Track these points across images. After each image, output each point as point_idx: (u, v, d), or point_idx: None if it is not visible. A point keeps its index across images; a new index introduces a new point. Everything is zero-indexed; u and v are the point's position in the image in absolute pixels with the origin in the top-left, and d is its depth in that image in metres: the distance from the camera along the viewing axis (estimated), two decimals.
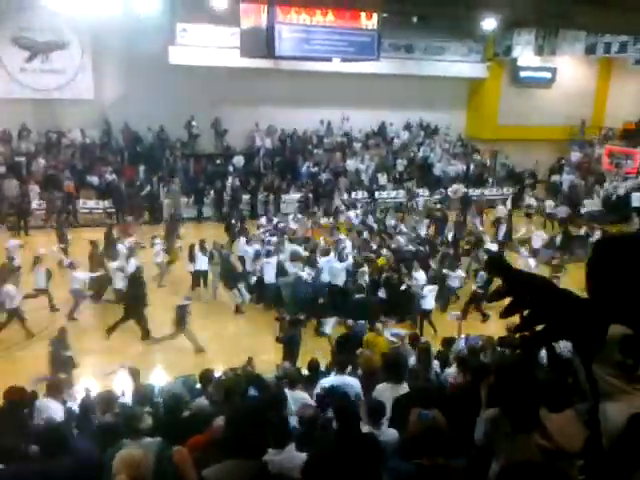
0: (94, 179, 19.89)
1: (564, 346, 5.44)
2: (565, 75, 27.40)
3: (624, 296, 1.62)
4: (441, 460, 3.62)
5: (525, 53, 24.80)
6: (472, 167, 25.27)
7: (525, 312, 1.83)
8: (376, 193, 22.55)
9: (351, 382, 6.43)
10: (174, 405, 5.24)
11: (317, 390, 6.35)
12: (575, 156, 25.86)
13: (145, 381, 8.24)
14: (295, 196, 20.78)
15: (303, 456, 3.88)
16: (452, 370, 6.99)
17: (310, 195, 20.48)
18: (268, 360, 9.54)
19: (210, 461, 3.58)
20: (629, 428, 1.50)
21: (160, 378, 9.38)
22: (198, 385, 7.05)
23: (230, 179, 20.88)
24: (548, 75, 27.33)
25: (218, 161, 22.27)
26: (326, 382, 6.50)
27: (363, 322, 10.72)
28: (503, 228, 16.96)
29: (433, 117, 26.80)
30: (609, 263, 1.67)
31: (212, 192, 20.40)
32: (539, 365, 5.38)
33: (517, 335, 6.47)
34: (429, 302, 11.99)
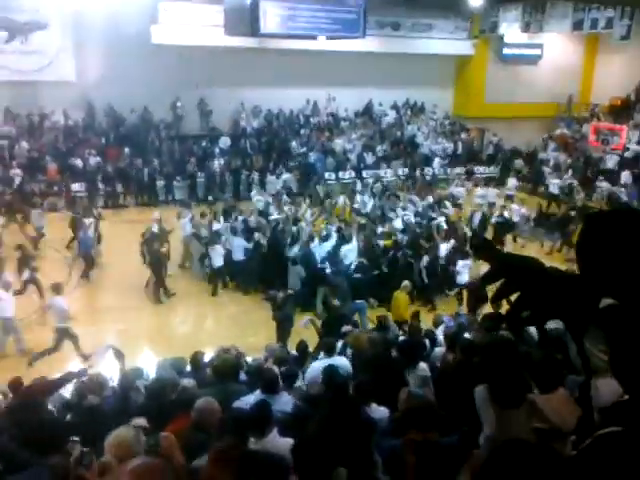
0: (78, 162, 19.63)
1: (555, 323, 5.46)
2: (552, 52, 27.30)
3: (614, 271, 1.60)
4: (431, 436, 3.63)
5: (511, 30, 24.66)
6: (460, 145, 25.29)
7: (515, 295, 1.82)
8: (363, 172, 22.48)
9: (341, 362, 6.42)
10: (160, 388, 5.19)
11: (308, 373, 6.33)
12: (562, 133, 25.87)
13: (133, 363, 8.22)
14: (280, 177, 20.57)
15: (287, 441, 3.83)
16: (441, 349, 7.01)
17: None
18: (255, 342, 9.56)
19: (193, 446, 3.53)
20: (617, 404, 1.48)
21: (148, 360, 9.34)
22: (188, 367, 7.04)
23: (216, 161, 20.75)
24: (535, 52, 27.22)
25: (204, 143, 22.06)
26: (317, 364, 6.49)
27: (360, 302, 10.83)
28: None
29: (420, 95, 26.67)
30: (598, 238, 1.65)
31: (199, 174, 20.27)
32: (532, 345, 5.39)
33: (505, 315, 6.51)
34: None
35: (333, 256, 12.29)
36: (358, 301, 11.06)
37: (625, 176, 20.41)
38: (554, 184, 19.64)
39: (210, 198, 19.31)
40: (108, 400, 5.75)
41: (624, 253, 1.60)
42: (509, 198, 18.42)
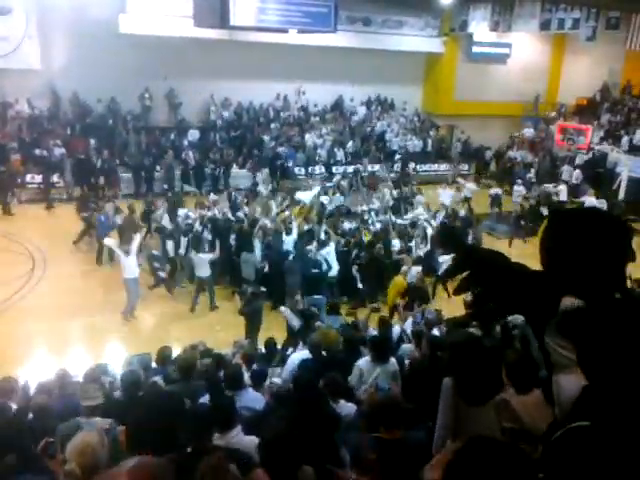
0: (42, 152, 19.18)
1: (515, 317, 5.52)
2: (520, 51, 27.68)
3: (576, 268, 1.61)
4: (399, 433, 3.63)
5: (480, 29, 24.90)
6: (430, 143, 25.50)
7: (477, 288, 1.82)
8: (333, 168, 22.48)
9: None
10: (130, 384, 5.10)
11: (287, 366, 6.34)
12: (529, 132, 26.27)
13: (99, 360, 8.10)
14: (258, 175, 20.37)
15: (251, 439, 3.79)
16: (409, 346, 7.05)
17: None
18: (224, 337, 9.49)
19: None
20: (581, 400, 1.49)
21: (115, 356, 9.20)
22: (154, 364, 6.94)
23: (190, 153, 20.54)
24: (503, 51, 27.55)
25: (172, 135, 21.74)
26: (296, 356, 6.51)
27: (319, 297, 10.77)
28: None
29: (390, 92, 26.76)
30: (562, 236, 1.67)
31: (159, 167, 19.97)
32: (509, 345, 5.45)
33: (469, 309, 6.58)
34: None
35: (297, 250, 12.25)
36: (317, 296, 11.03)
37: (575, 175, 20.95)
38: (517, 193, 19.28)
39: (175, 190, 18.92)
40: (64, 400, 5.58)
41: (586, 251, 1.62)
42: (466, 200, 17.98)
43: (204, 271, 11.84)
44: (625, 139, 21.95)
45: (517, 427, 2.85)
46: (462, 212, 15.80)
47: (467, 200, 17.90)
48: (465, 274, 1.76)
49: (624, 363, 1.38)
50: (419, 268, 11.73)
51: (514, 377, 3.32)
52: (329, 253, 12.21)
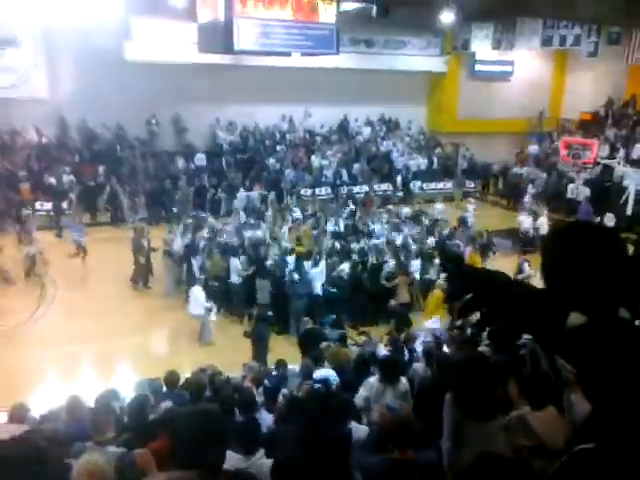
0: (51, 180, 19.36)
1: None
2: (523, 68, 27.83)
3: (580, 284, 1.61)
4: (411, 453, 3.60)
5: (483, 47, 25.05)
6: (435, 161, 25.58)
7: (483, 309, 1.82)
8: (339, 189, 22.54)
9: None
10: (138, 409, 5.08)
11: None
12: (534, 149, 26.29)
13: (108, 384, 8.08)
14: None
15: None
16: (420, 365, 7.01)
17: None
18: (236, 359, 9.46)
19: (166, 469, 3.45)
20: (589, 420, 1.48)
21: (124, 381, 9.18)
22: (164, 388, 6.92)
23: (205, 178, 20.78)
24: (506, 68, 27.73)
25: (180, 161, 21.86)
26: (319, 374, 6.55)
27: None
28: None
29: (395, 111, 26.92)
30: (559, 252, 1.67)
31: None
32: (518, 362, 5.41)
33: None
34: None
35: (297, 272, 12.29)
36: (333, 316, 11.07)
37: (581, 191, 20.91)
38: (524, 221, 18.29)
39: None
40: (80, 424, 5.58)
41: (589, 267, 1.61)
42: (436, 222, 16.96)
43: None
44: (622, 152, 21.97)
45: (534, 444, 2.82)
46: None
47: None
48: (469, 296, 1.76)
49: (621, 384, 1.37)
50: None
51: (528, 393, 3.29)
52: (321, 272, 12.24)
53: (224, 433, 2.80)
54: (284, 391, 6.32)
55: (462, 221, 16.75)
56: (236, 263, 12.62)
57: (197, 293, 11.60)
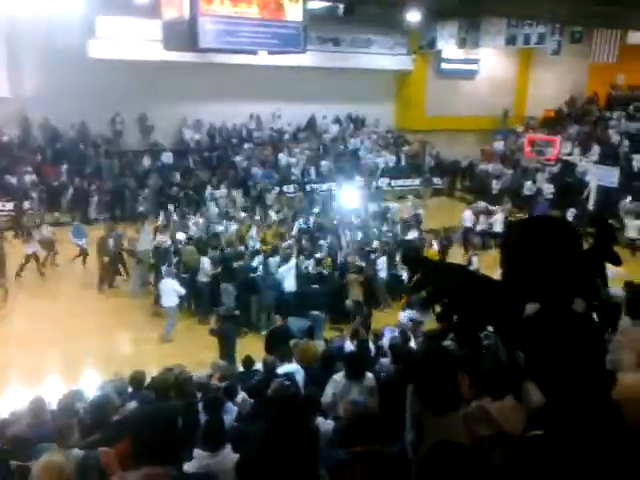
0: (13, 180, 18.95)
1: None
2: (488, 66, 28.20)
3: (535, 275, 1.65)
4: (376, 447, 3.63)
5: (449, 46, 25.31)
6: (403, 158, 25.78)
7: (442, 303, 1.85)
8: (307, 187, 22.55)
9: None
10: (99, 410, 5.01)
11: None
12: (499, 145, 26.68)
13: (73, 385, 7.96)
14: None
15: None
16: (387, 360, 7.07)
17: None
18: (203, 359, 9.39)
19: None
20: (542, 408, 1.52)
21: (89, 383, 9.05)
22: (130, 389, 6.84)
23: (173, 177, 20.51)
24: (472, 67, 28.05)
25: (146, 159, 21.62)
26: (283, 369, 6.60)
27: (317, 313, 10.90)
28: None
29: (362, 109, 27.04)
30: (519, 244, 1.71)
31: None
32: (481, 355, 5.49)
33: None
34: None
35: (265, 269, 12.27)
36: (315, 312, 11.16)
37: (542, 187, 21.40)
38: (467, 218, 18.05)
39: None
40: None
41: (544, 259, 1.65)
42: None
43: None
44: (590, 148, 22.46)
45: (495, 433, 2.87)
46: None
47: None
48: (429, 289, 1.79)
49: (566, 372, 1.41)
50: None
51: (488, 384, 3.35)
52: (289, 269, 12.20)
53: (182, 431, 2.80)
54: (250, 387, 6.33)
55: (415, 218, 17.03)
56: (205, 261, 12.52)
57: (170, 283, 11.57)
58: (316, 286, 12.54)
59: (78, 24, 18.60)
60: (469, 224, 17.59)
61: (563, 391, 1.43)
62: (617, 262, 2.02)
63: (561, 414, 1.41)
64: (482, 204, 19.22)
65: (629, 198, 18.81)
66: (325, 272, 12.82)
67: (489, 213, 18.26)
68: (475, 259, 13.15)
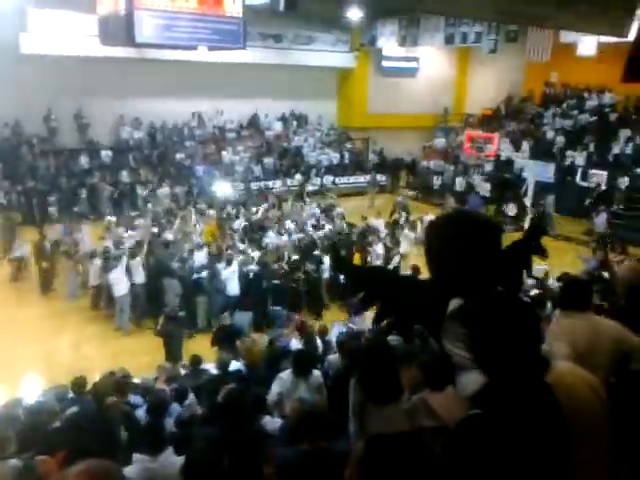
0: None
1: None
2: (428, 65, 28.72)
3: (458, 270, 1.67)
4: (323, 443, 3.61)
5: (389, 44, 25.61)
6: (346, 155, 25.95)
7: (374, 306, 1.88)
8: (251, 184, 22.39)
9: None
10: (39, 417, 4.82)
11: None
12: (440, 142, 27.19)
13: (15, 394, 7.64)
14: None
15: (182, 460, 3.73)
16: (334, 356, 7.06)
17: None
18: (149, 361, 9.18)
19: None
20: (479, 393, 1.55)
21: (29, 390, 8.69)
22: (71, 394, 6.61)
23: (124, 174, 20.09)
24: (412, 65, 28.50)
25: (83, 157, 20.98)
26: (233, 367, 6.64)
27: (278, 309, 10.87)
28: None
29: (305, 106, 27.04)
30: (440, 241, 1.73)
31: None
32: (425, 349, 5.56)
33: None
34: None
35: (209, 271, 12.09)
36: (277, 307, 11.16)
37: (480, 183, 22.00)
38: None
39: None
40: None
41: (459, 252, 1.68)
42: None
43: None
44: (525, 145, 23.18)
45: (436, 424, 2.89)
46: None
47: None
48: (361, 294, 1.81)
49: (502, 349, 1.44)
50: None
51: (428, 375, 3.39)
52: (234, 272, 11.98)
53: (116, 434, 2.73)
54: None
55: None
56: (138, 263, 12.10)
57: (119, 274, 11.50)
58: (277, 282, 12.32)
59: (9, 17, 17.86)
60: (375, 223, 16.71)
61: (503, 372, 1.47)
62: (544, 255, 2.13)
63: (500, 394, 1.45)
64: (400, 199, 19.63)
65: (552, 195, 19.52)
66: (272, 265, 12.66)
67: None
68: (397, 258, 13.00)
